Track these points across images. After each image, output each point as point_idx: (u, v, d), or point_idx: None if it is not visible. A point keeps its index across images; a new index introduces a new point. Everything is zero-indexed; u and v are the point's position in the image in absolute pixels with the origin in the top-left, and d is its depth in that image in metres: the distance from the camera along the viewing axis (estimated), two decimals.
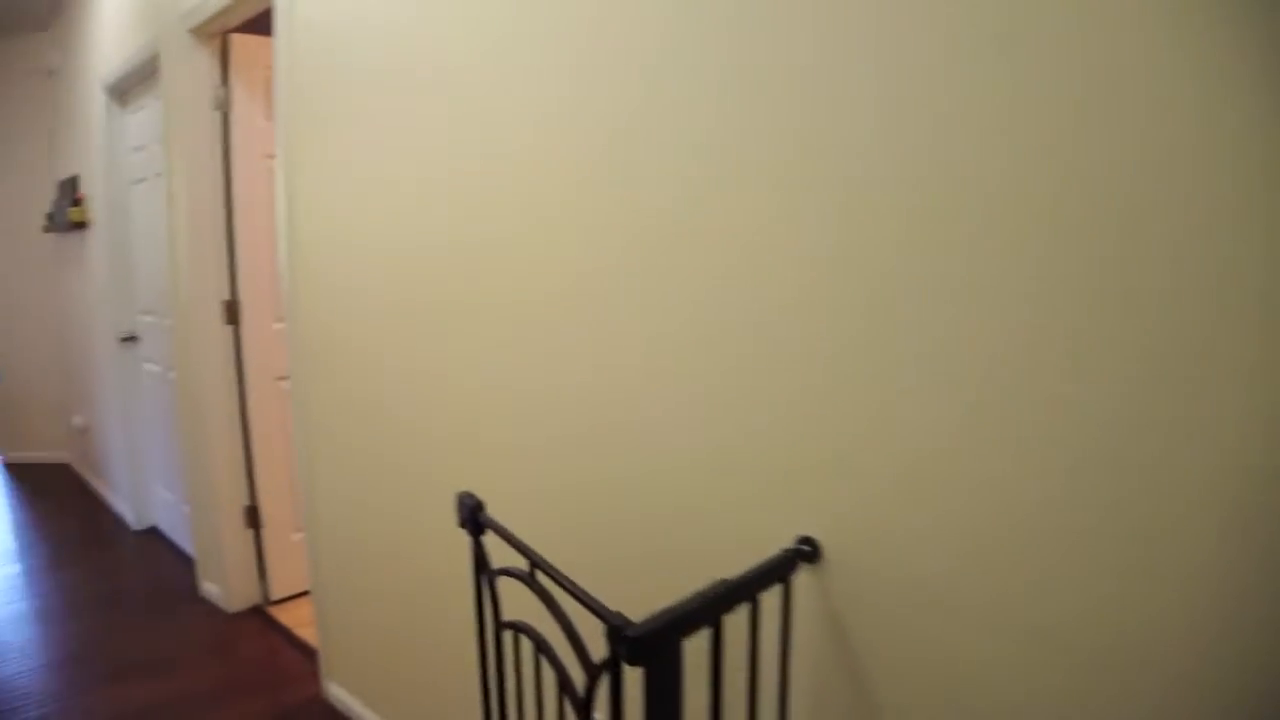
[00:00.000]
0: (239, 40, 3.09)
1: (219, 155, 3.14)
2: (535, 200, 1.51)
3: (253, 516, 3.31)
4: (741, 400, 1.21)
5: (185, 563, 3.76)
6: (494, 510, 1.71)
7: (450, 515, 1.87)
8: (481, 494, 1.76)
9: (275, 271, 3.21)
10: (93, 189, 4.31)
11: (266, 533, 3.31)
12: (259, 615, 3.28)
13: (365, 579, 2.31)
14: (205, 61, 3.09)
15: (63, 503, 4.82)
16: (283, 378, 3.27)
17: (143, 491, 4.27)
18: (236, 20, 2.85)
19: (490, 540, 1.34)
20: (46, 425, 5.60)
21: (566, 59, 1.42)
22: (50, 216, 5.01)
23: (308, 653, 2.94)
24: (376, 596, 2.27)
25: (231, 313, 3.21)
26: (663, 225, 1.29)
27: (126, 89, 3.86)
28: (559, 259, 1.48)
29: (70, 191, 4.62)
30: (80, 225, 4.51)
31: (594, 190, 1.40)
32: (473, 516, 1.34)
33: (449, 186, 1.72)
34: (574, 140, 1.42)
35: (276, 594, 3.36)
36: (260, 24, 2.83)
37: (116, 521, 4.43)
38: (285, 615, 3.26)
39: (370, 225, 2.01)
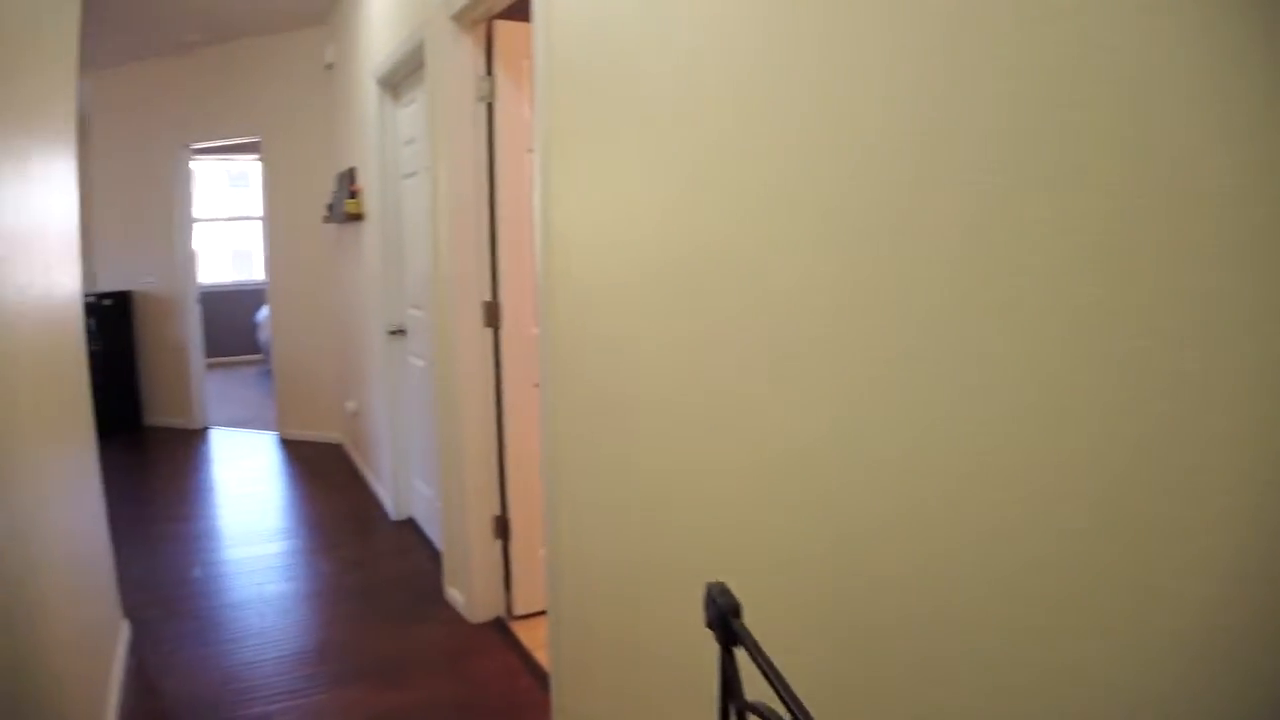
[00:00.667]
0: (503, 27, 2.92)
1: (483, 149, 2.99)
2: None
3: (501, 527, 3.17)
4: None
5: (435, 561, 3.73)
6: (752, 604, 1.33)
7: (700, 585, 1.52)
8: (737, 575, 1.39)
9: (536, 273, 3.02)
10: (368, 182, 4.40)
11: (514, 545, 3.16)
12: (499, 630, 3.14)
13: (602, 614, 2.02)
14: (469, 50, 2.94)
15: (331, 484, 5.05)
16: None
17: (402, 482, 4.33)
18: (501, 4, 2.65)
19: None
20: (324, 406, 5.93)
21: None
22: (330, 207, 5.24)
23: (544, 679, 2.74)
24: (612, 637, 1.98)
25: (491, 315, 3.06)
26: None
27: (397, 81, 3.86)
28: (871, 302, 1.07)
29: (347, 184, 4.77)
30: (356, 217, 4.63)
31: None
32: (724, 621, 0.98)
33: (724, 196, 1.36)
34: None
35: (520, 609, 3.21)
36: (526, 8, 2.62)
37: (377, 509, 4.53)
38: (526, 633, 3.09)
39: (630, 229, 1.70)
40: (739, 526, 1.46)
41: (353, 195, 4.64)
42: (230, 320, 9.61)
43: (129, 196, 6.49)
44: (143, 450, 6.02)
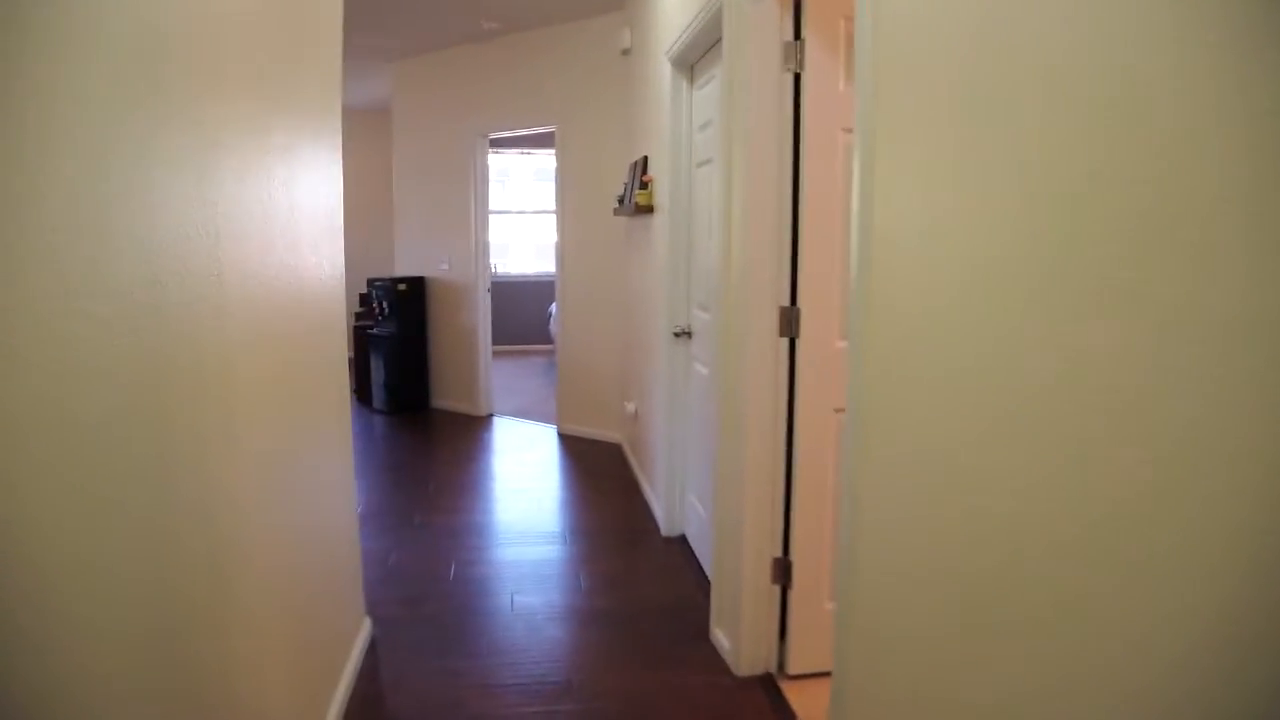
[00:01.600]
0: None
1: (788, 127, 2.54)
2: None
3: (782, 571, 2.71)
4: None
5: (704, 589, 3.34)
6: None
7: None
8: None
9: (846, 276, 2.51)
10: (659, 171, 4.12)
11: (795, 593, 2.69)
12: (768, 689, 2.68)
13: (904, 690, 1.49)
14: (772, 10, 2.49)
15: (604, 488, 4.86)
16: (843, 409, 2.59)
17: (676, 496, 4.00)
18: None
19: None
20: (605, 404, 5.81)
21: None
22: (620, 199, 5.05)
23: None
24: None
25: (788, 322, 2.61)
26: None
27: (693, 60, 3.51)
28: None
29: (639, 173, 4.53)
30: (646, 209, 4.38)
31: None
32: None
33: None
34: None
35: (795, 667, 2.72)
36: None
37: (649, 521, 4.26)
38: (799, 696, 2.61)
39: (991, 244, 1.16)
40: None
41: (644, 186, 4.39)
42: (525, 310, 10.00)
43: (427, 184, 6.79)
44: (425, 432, 6.26)
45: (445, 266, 6.72)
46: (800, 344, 2.58)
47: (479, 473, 5.24)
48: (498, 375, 6.96)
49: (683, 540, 3.95)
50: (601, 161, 5.63)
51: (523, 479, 5.06)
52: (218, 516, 1.52)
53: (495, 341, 7.72)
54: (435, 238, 6.77)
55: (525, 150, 10.37)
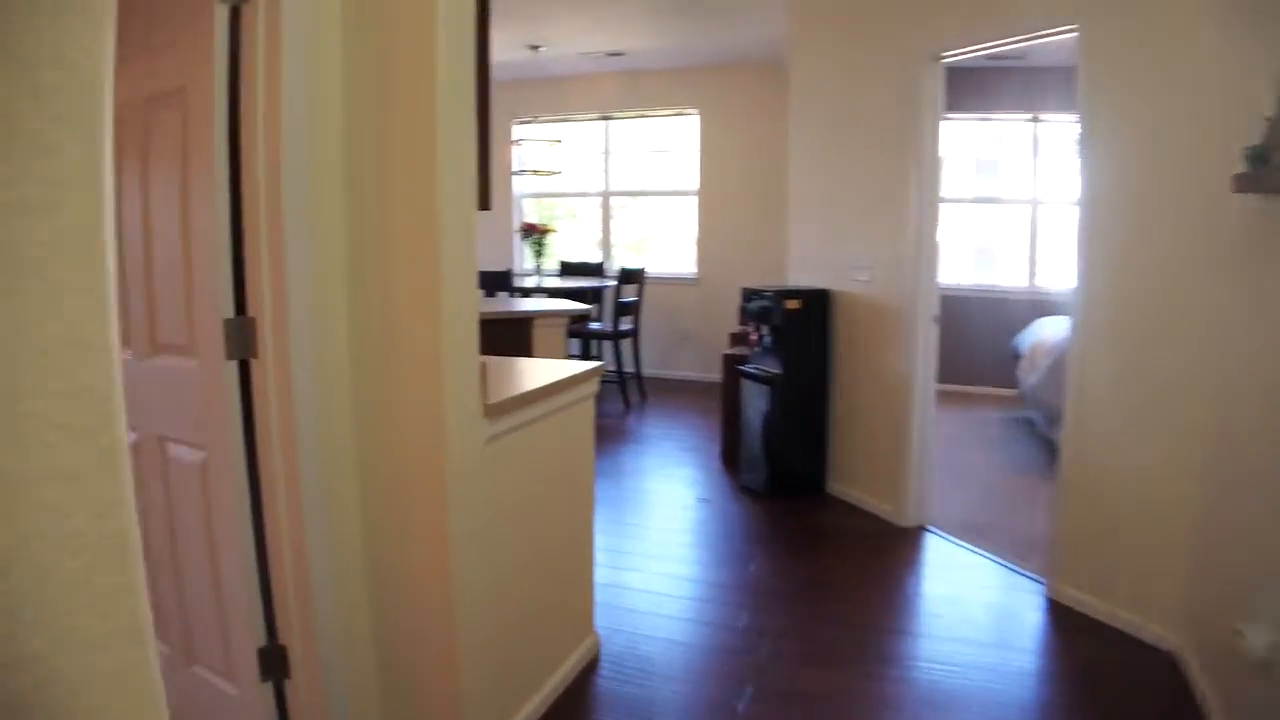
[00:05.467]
0: None
1: None
2: None
3: None
4: None
5: None
6: None
7: None
8: None
9: None
10: None
11: None
12: None
13: None
14: None
15: None
16: None
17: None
18: None
19: None
20: (1156, 569, 2.95)
21: None
22: (1256, 160, 2.23)
23: None
24: None
25: None
26: None
27: None
28: None
29: None
30: None
31: None
32: None
33: None
34: None
35: None
36: None
37: None
38: None
39: None
40: None
41: None
42: (965, 337, 7.03)
43: (838, 150, 4.42)
44: (808, 551, 3.89)
45: (864, 277, 4.28)
46: None
47: (895, 699, 2.74)
48: (935, 444, 4.25)
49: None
50: (1184, 94, 2.80)
51: None
52: None
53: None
54: (849, 232, 4.38)
55: (984, 115, 7.34)
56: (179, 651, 2.27)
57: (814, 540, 3.97)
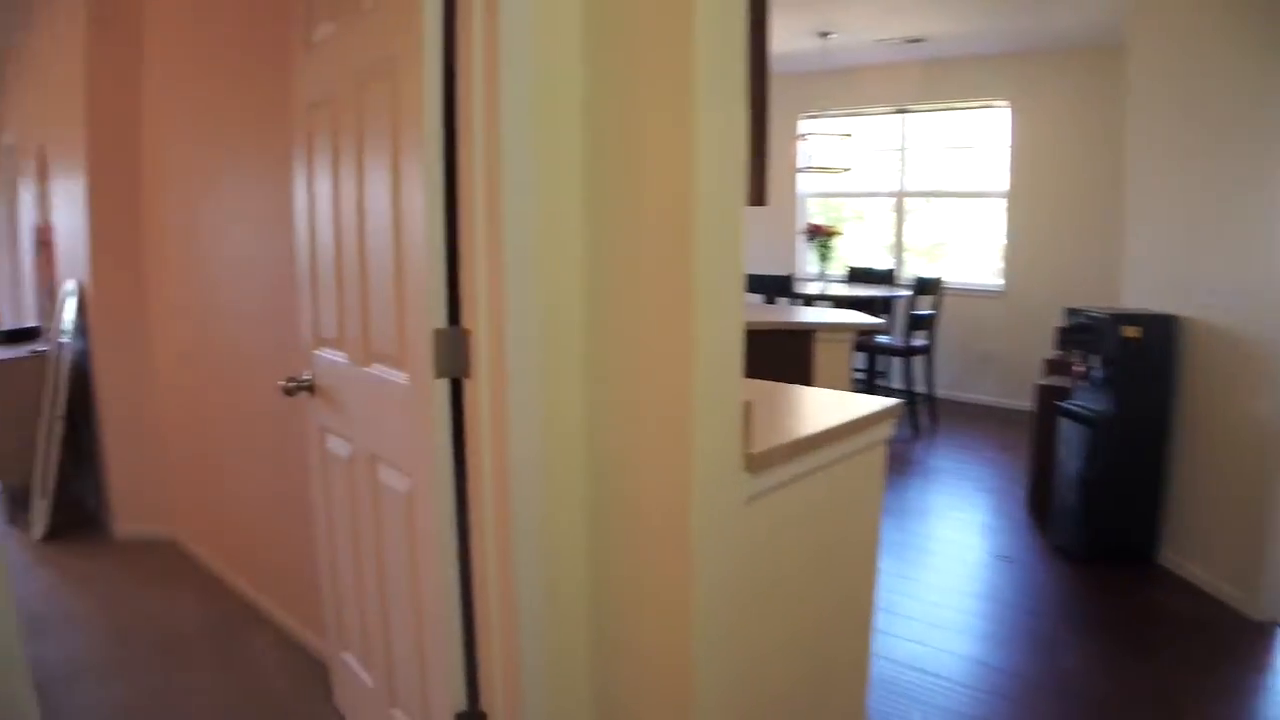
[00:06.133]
0: None
1: None
2: None
3: None
4: None
5: None
6: None
7: None
8: None
9: None
10: None
11: None
12: None
13: None
14: None
15: None
16: None
17: None
18: None
19: None
20: None
21: None
22: None
23: None
24: None
25: None
26: None
27: None
28: None
29: None
30: None
31: None
32: None
33: None
34: None
35: None
36: None
37: None
38: None
39: None
40: None
41: None
42: None
43: (1194, 143, 3.56)
44: (1135, 642, 3.12)
45: (1225, 303, 3.44)
46: None
47: None
48: None
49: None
50: None
51: None
52: None
53: None
54: (1206, 248, 3.54)
55: None
56: (383, 688, 2.14)
57: (1144, 629, 3.22)
